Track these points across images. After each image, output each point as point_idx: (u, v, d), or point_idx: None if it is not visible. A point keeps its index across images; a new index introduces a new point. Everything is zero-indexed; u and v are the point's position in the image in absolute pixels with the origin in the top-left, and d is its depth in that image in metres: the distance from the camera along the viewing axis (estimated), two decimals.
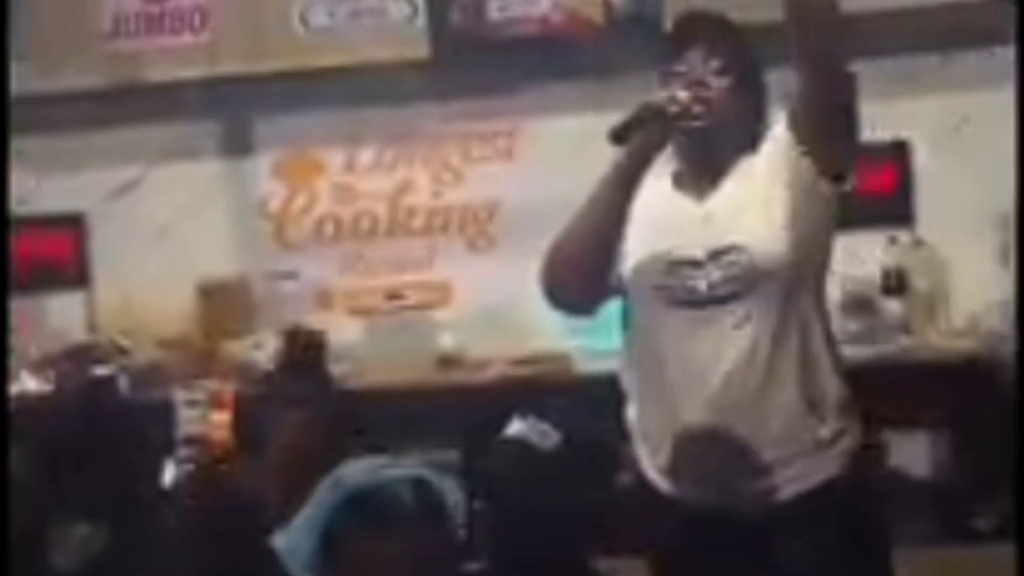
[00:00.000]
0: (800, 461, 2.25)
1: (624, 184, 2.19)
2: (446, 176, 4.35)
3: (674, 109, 2.15)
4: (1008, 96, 3.63)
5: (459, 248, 4.33)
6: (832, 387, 2.29)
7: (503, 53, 4.13)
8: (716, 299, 2.24)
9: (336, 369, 4.05)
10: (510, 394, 3.87)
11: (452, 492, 1.99)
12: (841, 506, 2.26)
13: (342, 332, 4.21)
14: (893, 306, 3.98)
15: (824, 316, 2.32)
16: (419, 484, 1.97)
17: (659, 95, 2.18)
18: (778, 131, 2.26)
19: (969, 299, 3.93)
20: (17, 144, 4.24)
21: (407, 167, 4.37)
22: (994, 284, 3.80)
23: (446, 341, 4.17)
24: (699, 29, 2.32)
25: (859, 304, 3.90)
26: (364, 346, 4.19)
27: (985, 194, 3.82)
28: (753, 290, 2.23)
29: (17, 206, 4.38)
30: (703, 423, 2.24)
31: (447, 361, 4.11)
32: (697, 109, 2.17)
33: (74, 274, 4.44)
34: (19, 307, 4.36)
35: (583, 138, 4.04)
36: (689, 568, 2.29)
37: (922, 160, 4.00)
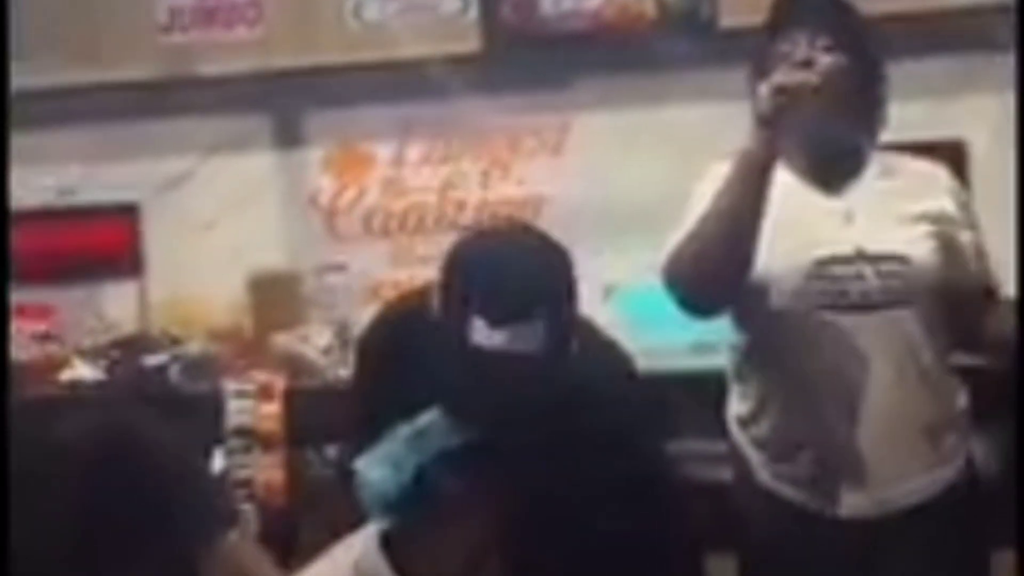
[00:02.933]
0: (931, 471, 2.21)
1: (759, 173, 2.10)
2: (495, 170, 4.35)
3: (785, 92, 2.07)
4: None
5: None
6: (956, 399, 2.26)
7: (554, 48, 4.12)
8: (871, 305, 2.17)
9: None
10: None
11: None
12: (959, 515, 2.23)
13: None
14: None
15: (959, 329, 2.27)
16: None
17: (763, 85, 2.10)
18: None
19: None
20: (62, 135, 4.29)
21: (456, 161, 4.37)
22: None
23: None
24: (803, 4, 2.23)
25: None
26: None
27: None
28: (911, 301, 2.17)
29: (66, 195, 4.44)
30: (848, 432, 2.18)
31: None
32: (813, 87, 2.08)
33: (127, 265, 4.48)
34: (71, 297, 4.42)
35: (633, 134, 4.03)
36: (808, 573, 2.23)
37: (980, 156, 3.95)
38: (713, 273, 2.15)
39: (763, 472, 2.27)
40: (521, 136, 4.30)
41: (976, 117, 3.90)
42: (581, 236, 4.19)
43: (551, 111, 4.24)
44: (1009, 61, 3.89)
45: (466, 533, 1.79)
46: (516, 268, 1.78)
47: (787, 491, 2.25)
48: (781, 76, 2.11)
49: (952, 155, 3.92)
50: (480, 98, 4.26)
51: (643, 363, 3.68)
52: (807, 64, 2.12)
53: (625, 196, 4.01)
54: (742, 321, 2.28)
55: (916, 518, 2.21)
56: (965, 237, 2.21)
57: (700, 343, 3.24)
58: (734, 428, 2.32)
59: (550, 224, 4.34)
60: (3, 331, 3.39)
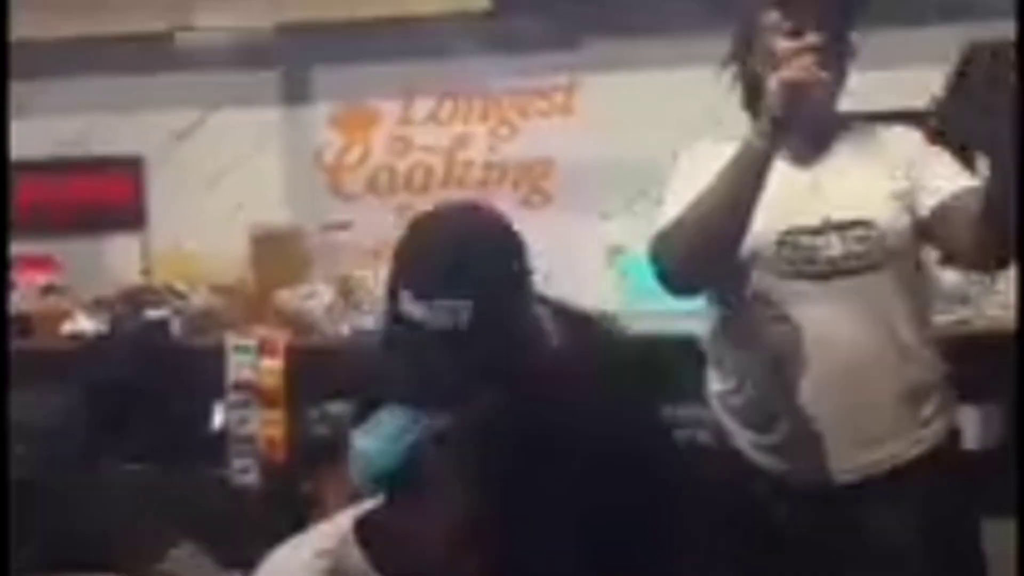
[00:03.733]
0: (906, 436, 2.23)
1: (761, 166, 2.11)
2: (503, 131, 4.33)
3: (797, 90, 2.06)
4: None
5: (513, 204, 4.30)
6: (936, 364, 2.27)
7: (564, 7, 4.09)
8: (838, 272, 2.18)
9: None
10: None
11: None
12: (938, 478, 2.24)
13: None
14: (950, 276, 3.92)
15: (927, 294, 2.28)
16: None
17: (774, 79, 2.08)
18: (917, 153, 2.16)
19: None
20: (67, 85, 4.27)
21: (463, 121, 4.35)
22: None
23: None
24: None
25: None
26: None
27: None
28: (878, 266, 2.19)
29: (70, 147, 4.42)
30: (823, 400, 2.20)
31: None
32: (822, 82, 2.10)
33: (131, 217, 4.47)
34: (75, 249, 4.41)
35: (643, 96, 4.01)
36: (790, 544, 2.25)
37: None
38: (703, 258, 2.17)
39: (741, 441, 2.29)
40: (530, 97, 4.28)
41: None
42: (589, 199, 4.22)
43: (561, 71, 4.22)
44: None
45: (446, 525, 1.79)
46: (449, 246, 1.81)
47: (765, 460, 2.27)
48: (791, 74, 2.09)
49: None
50: (489, 57, 4.23)
51: (648, 326, 3.71)
52: (817, 50, 2.12)
53: (635, 160, 4.00)
54: (718, 296, 2.30)
55: (896, 483, 2.22)
56: (928, 175, 2.20)
57: (704, 308, 3.23)
58: (713, 402, 2.34)
59: (559, 186, 4.39)
60: (3, 330, 3.39)
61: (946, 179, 2.20)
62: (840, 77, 2.22)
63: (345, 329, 4.04)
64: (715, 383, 2.35)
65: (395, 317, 1.86)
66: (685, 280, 2.23)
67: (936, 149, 2.19)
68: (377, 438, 1.85)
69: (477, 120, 4.34)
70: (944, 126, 1.85)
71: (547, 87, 4.25)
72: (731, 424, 2.31)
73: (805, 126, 2.20)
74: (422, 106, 4.36)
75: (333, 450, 4.06)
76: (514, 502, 1.79)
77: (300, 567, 1.89)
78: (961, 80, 1.81)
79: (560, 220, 4.19)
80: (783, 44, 2.13)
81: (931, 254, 3.78)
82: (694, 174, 2.22)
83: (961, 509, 2.28)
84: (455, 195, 4.35)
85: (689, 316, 3.38)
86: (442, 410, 1.78)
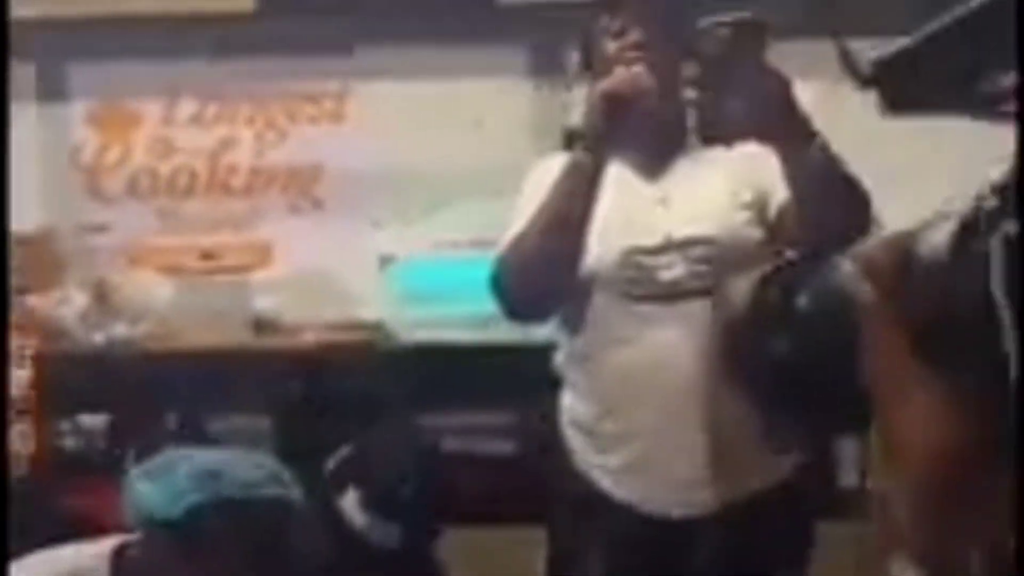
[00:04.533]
0: (759, 463, 2.14)
1: (588, 183, 2.03)
2: (270, 135, 4.24)
3: (617, 100, 1.98)
4: None
5: (281, 210, 4.22)
6: None
7: (336, 12, 4.04)
8: (682, 293, 2.10)
9: (142, 329, 3.92)
10: (325, 360, 3.80)
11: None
12: (789, 508, 2.19)
13: (153, 291, 4.09)
14: None
15: None
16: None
17: (600, 86, 2.00)
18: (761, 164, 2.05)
19: None
20: None
21: (229, 124, 4.24)
22: None
23: (263, 304, 4.07)
24: None
25: None
26: (175, 306, 4.06)
27: None
28: (722, 285, 2.09)
29: None
30: (666, 428, 2.11)
31: (262, 325, 4.01)
32: (645, 92, 2.00)
33: None
34: None
35: (415, 104, 3.99)
36: (626, 571, 2.17)
37: None
38: (539, 281, 2.09)
39: (582, 463, 2.20)
40: (299, 101, 4.20)
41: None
42: (360, 206, 4.17)
43: (332, 77, 4.16)
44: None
45: None
46: None
47: (604, 483, 2.18)
48: (611, 84, 2.00)
49: None
50: (256, 59, 4.14)
51: (421, 335, 3.70)
52: (640, 47, 2.03)
53: (406, 167, 3.98)
54: (564, 315, 2.19)
55: (741, 513, 2.13)
56: (779, 201, 2.17)
57: (476, 316, 3.23)
58: (565, 418, 2.24)
59: (329, 193, 4.32)
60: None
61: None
62: (674, 84, 2.08)
63: (99, 337, 3.88)
64: (567, 400, 2.25)
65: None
66: (525, 305, 2.13)
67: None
68: (161, 489, 1.82)
69: (243, 124, 4.23)
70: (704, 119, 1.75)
71: (317, 92, 4.19)
72: (574, 441, 2.22)
73: (649, 137, 2.13)
74: (186, 107, 4.23)
75: (87, 463, 3.90)
76: None
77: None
78: (706, 69, 1.73)
79: (330, 227, 4.13)
80: (610, 45, 2.06)
81: None
82: (540, 192, 2.11)
83: (800, 543, 2.24)
84: (220, 199, 4.23)
85: (459, 325, 3.38)
86: None
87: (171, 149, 4.25)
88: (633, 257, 2.11)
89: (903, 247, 1.15)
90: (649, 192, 2.16)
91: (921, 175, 3.64)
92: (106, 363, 3.83)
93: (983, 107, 1.23)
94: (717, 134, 1.67)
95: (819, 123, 1.89)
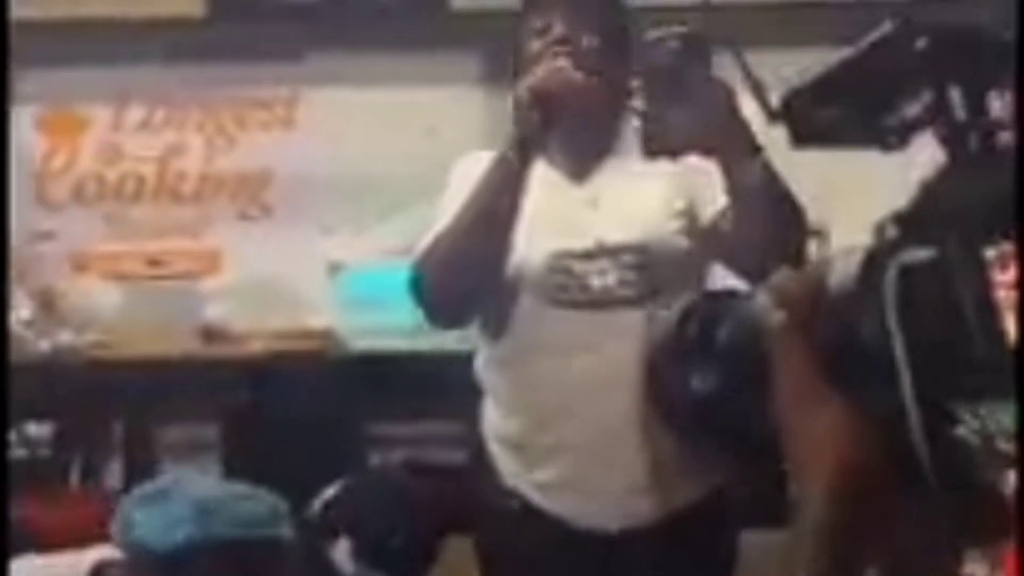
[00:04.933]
0: (694, 471, 2.08)
1: (516, 180, 1.96)
2: (219, 141, 4.20)
3: (544, 96, 1.93)
4: None
5: (230, 216, 4.18)
6: None
7: (287, 17, 4.01)
8: (613, 301, 2.04)
9: (88, 337, 3.88)
10: (274, 369, 3.77)
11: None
12: (717, 519, 2.14)
13: (100, 298, 4.05)
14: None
15: None
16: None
17: (525, 82, 1.95)
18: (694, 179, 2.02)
19: None
20: None
21: (178, 130, 4.20)
22: None
23: (211, 312, 4.03)
24: None
25: None
26: (122, 313, 4.02)
27: None
28: (656, 295, 2.03)
29: None
30: (595, 440, 2.06)
31: (211, 333, 3.97)
32: (574, 89, 1.95)
33: None
34: None
35: (367, 111, 3.97)
36: None
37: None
38: (460, 285, 2.02)
39: (511, 478, 2.13)
40: (249, 107, 4.17)
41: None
42: (310, 213, 4.14)
43: (282, 83, 4.13)
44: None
45: None
46: None
47: (535, 498, 2.11)
48: (539, 79, 1.94)
49: None
50: (206, 65, 4.10)
51: (368, 343, 3.67)
52: (564, 42, 1.99)
53: (356, 174, 3.95)
54: (487, 319, 2.12)
55: (672, 526, 2.10)
56: (710, 196, 2.14)
57: (427, 324, 3.20)
58: (486, 432, 2.17)
59: (278, 199, 4.29)
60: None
61: (720, 188, 2.04)
62: (615, 79, 2.03)
63: (45, 345, 3.83)
64: (489, 412, 2.17)
65: None
66: (446, 307, 2.07)
67: (715, 175, 2.12)
68: (156, 518, 1.80)
69: (193, 129, 4.19)
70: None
71: (268, 98, 4.16)
72: (503, 457, 2.14)
73: (578, 136, 2.07)
74: (134, 113, 4.18)
75: (32, 474, 3.84)
76: None
77: None
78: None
79: (279, 234, 4.10)
80: (534, 44, 2.01)
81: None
82: (456, 195, 2.06)
83: (730, 552, 2.20)
84: (168, 206, 4.19)
85: (409, 333, 3.35)
86: None
87: (119, 155, 4.20)
88: (562, 261, 2.04)
89: (816, 277, 1.16)
90: (577, 194, 2.10)
91: (869, 189, 3.66)
92: (52, 371, 3.78)
93: (890, 139, 1.24)
94: (661, 148, 1.65)
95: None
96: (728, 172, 1.88)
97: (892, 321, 1.10)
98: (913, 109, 1.20)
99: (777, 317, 1.21)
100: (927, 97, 1.15)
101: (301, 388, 3.72)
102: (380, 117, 3.87)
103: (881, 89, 1.21)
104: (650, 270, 2.06)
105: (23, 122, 4.19)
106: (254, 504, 1.85)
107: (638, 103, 1.60)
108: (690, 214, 2.09)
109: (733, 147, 1.83)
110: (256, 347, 3.85)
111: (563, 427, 2.09)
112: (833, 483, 1.14)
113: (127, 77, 4.13)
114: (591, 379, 2.06)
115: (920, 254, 1.14)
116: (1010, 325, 1.11)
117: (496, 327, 2.11)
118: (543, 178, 2.06)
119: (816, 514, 1.15)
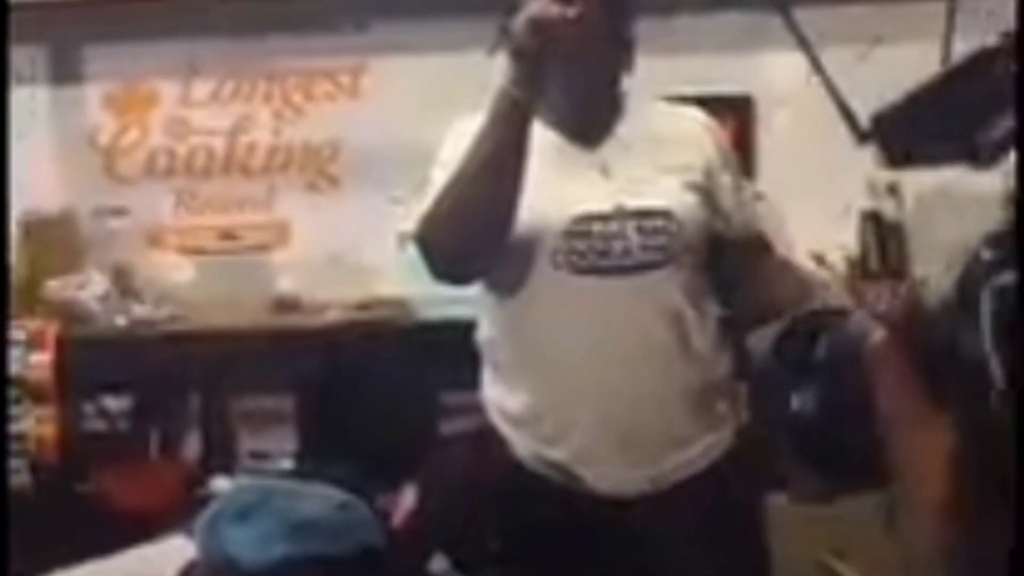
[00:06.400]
0: (705, 438, 2.09)
1: (520, 114, 1.92)
2: (287, 113, 4.20)
3: (542, 25, 1.90)
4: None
5: (299, 188, 4.19)
6: (724, 360, 2.13)
7: None
8: (634, 267, 2.03)
9: (163, 311, 3.91)
10: (347, 339, 3.78)
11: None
12: (738, 477, 2.13)
13: (173, 272, 4.06)
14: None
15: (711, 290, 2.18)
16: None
17: (518, 18, 1.93)
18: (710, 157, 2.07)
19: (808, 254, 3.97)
20: None
21: (246, 102, 4.20)
22: (834, 241, 3.83)
23: (283, 284, 4.05)
24: None
25: None
26: (196, 287, 4.05)
27: (829, 151, 3.84)
28: (677, 260, 2.04)
29: None
30: (612, 409, 2.04)
31: (284, 304, 3.99)
32: (570, 20, 1.91)
33: None
34: None
35: (432, 80, 3.95)
36: (582, 556, 2.09)
37: (765, 115, 4.02)
38: (473, 231, 1.97)
39: (523, 451, 2.11)
40: (315, 78, 4.16)
41: (761, 72, 3.96)
42: (378, 183, 4.13)
43: (348, 53, 4.12)
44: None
45: None
46: None
47: (549, 471, 2.09)
48: (537, 8, 1.91)
49: (738, 110, 3.99)
50: (272, 37, 4.10)
51: (440, 312, 3.66)
52: None
53: (424, 144, 3.91)
54: (495, 286, 2.09)
55: (688, 490, 2.08)
56: (725, 185, 2.11)
57: None
58: (490, 407, 2.15)
59: (347, 170, 4.28)
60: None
61: (739, 205, 2.12)
62: (616, 44, 2.06)
63: (121, 320, 3.87)
64: (491, 387, 2.15)
65: None
66: (456, 264, 2.03)
67: (730, 157, 2.11)
68: (249, 534, 1.78)
69: (260, 102, 4.20)
70: None
71: (333, 68, 4.15)
72: (511, 432, 2.12)
73: (582, 98, 2.06)
74: (202, 87, 4.19)
75: (112, 447, 3.89)
76: None
77: None
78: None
79: (349, 205, 4.10)
80: None
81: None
82: (455, 153, 2.05)
83: (748, 511, 2.19)
84: (238, 180, 4.21)
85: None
86: None
87: (188, 129, 4.21)
88: (583, 224, 2.01)
89: (913, 295, 1.16)
90: (588, 159, 2.07)
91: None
92: (128, 345, 3.82)
93: (983, 156, 1.21)
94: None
95: None
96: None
97: (988, 342, 1.10)
98: (1002, 128, 1.18)
99: (878, 335, 1.20)
100: (1011, 118, 1.14)
101: (374, 358, 3.72)
102: (446, 85, 3.85)
103: (971, 109, 1.20)
104: (672, 235, 2.04)
105: (91, 99, 4.22)
106: (347, 515, 1.83)
107: None
108: (705, 190, 2.09)
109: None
110: (329, 318, 3.87)
111: (573, 403, 2.06)
112: (946, 506, 1.13)
113: (194, 51, 4.14)
114: (606, 344, 2.03)
115: (1014, 276, 1.13)
116: None
117: (509, 290, 2.07)
118: (551, 143, 2.04)
119: (927, 536, 1.14)
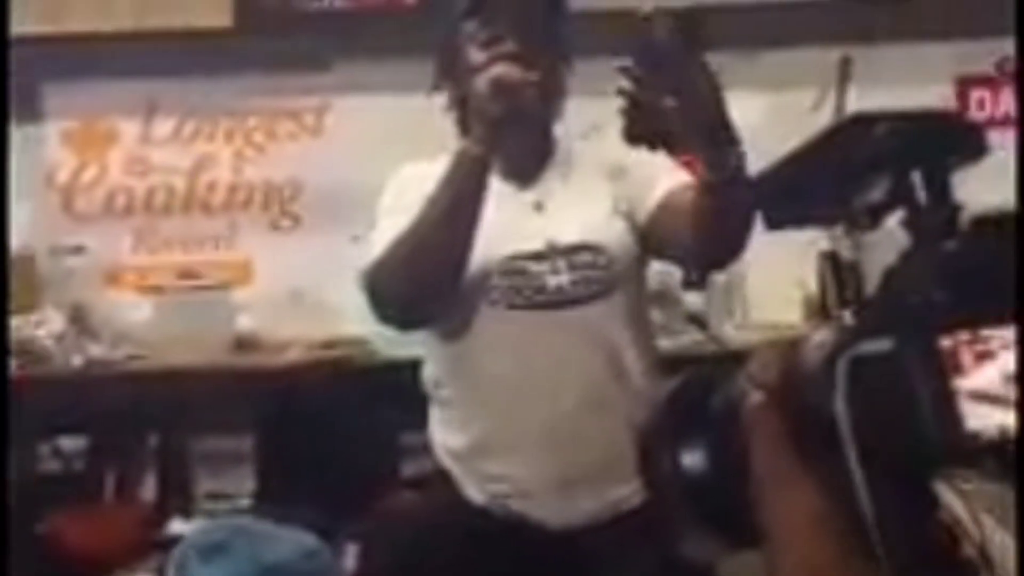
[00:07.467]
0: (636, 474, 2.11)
1: (480, 172, 1.98)
2: (248, 152, 4.20)
3: (505, 88, 1.95)
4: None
5: (261, 227, 4.18)
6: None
7: (313, 28, 4.01)
8: (567, 302, 2.06)
9: (121, 350, 3.88)
10: (307, 378, 3.76)
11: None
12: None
13: (131, 311, 4.04)
14: (692, 299, 4.00)
15: (649, 320, 2.21)
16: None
17: (481, 79, 1.97)
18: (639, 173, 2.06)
19: (766, 295, 3.99)
20: None
21: (207, 141, 4.20)
22: (791, 280, 3.84)
23: (243, 322, 4.03)
24: None
25: (659, 296, 3.90)
26: (154, 326, 4.01)
27: None
28: (609, 293, 2.08)
29: None
30: (555, 443, 2.07)
31: (243, 343, 3.96)
32: (531, 83, 1.97)
33: None
34: None
35: (395, 119, 3.96)
36: None
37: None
38: (429, 278, 2.01)
39: (470, 488, 2.14)
40: (277, 117, 4.17)
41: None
42: (341, 222, 4.12)
43: (309, 93, 4.13)
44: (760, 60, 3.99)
45: None
46: None
47: (495, 506, 2.12)
48: (500, 72, 1.96)
49: None
50: (234, 76, 4.10)
51: (400, 352, 3.63)
52: (495, 41, 1.98)
53: (385, 182, 3.93)
54: (438, 325, 2.13)
55: (627, 524, 2.08)
56: (648, 208, 2.13)
57: None
58: (437, 447, 2.18)
59: (308, 209, 4.28)
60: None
61: (659, 180, 2.08)
62: (552, 88, 2.09)
63: (77, 359, 3.83)
64: (437, 426, 2.18)
65: None
66: (409, 310, 2.06)
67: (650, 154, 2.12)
68: (223, 567, 1.79)
69: (222, 140, 4.19)
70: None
71: (296, 108, 4.15)
72: (458, 471, 2.15)
73: (521, 142, 2.10)
74: (163, 125, 4.19)
75: (67, 488, 3.84)
76: None
77: None
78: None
79: (310, 243, 4.10)
80: (479, 55, 2.01)
81: (675, 276, 3.85)
82: (403, 199, 2.09)
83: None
84: (198, 218, 4.19)
85: None
86: None
87: (148, 167, 4.20)
88: (516, 263, 2.06)
89: (792, 357, 1.17)
90: (523, 197, 2.12)
91: None
92: (85, 385, 3.78)
93: (860, 220, 1.23)
94: (645, 133, 1.62)
95: None
96: (707, 160, 1.81)
97: (840, 407, 1.11)
98: (877, 193, 1.19)
99: (755, 397, 1.22)
100: (889, 181, 1.15)
101: (334, 399, 3.71)
102: (409, 125, 3.86)
103: (848, 171, 1.21)
104: (603, 268, 2.08)
105: (50, 137, 4.20)
106: (313, 564, 1.84)
107: (625, 84, 1.59)
108: (631, 216, 2.12)
109: (717, 135, 1.76)
110: (289, 357, 3.85)
111: (518, 434, 2.08)
112: (810, 567, 1.13)
113: (155, 89, 4.14)
114: (545, 379, 2.06)
115: (874, 346, 1.14)
116: (963, 412, 1.10)
117: (450, 329, 2.12)
118: (492, 186, 2.05)
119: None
